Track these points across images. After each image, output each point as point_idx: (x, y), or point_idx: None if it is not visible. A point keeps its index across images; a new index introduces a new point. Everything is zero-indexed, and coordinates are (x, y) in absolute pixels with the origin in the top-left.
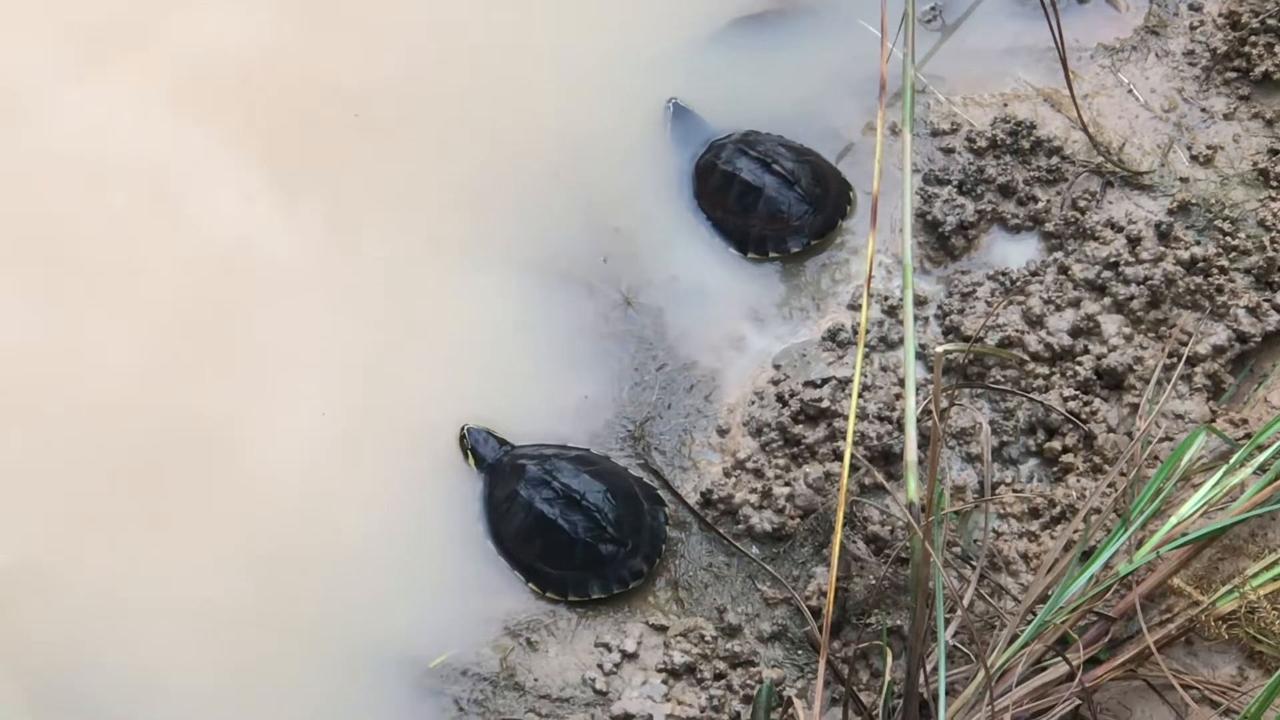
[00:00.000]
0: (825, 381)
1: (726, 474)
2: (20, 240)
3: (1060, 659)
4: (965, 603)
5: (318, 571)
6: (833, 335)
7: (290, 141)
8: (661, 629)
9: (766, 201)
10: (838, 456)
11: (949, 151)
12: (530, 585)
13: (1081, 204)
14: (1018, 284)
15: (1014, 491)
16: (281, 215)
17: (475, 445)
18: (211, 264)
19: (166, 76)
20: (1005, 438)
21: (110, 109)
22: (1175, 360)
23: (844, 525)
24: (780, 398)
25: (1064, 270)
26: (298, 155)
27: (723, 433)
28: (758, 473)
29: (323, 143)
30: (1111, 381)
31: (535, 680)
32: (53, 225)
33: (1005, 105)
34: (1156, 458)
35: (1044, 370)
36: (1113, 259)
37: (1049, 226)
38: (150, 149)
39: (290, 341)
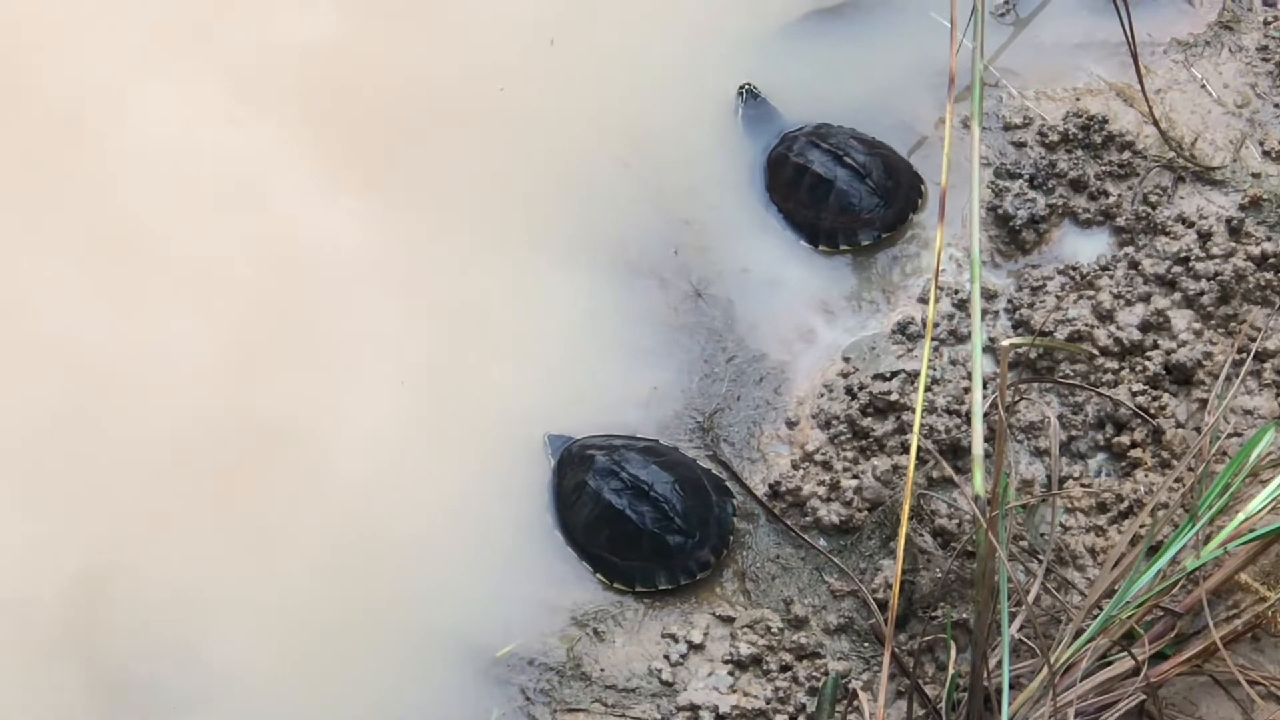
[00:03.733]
0: (894, 375)
1: (795, 466)
2: (96, 240)
3: (1125, 654)
4: (1031, 597)
5: (387, 562)
6: (902, 328)
7: (361, 138)
8: (728, 620)
9: (838, 194)
10: (906, 450)
11: (1020, 145)
12: (598, 575)
13: (1152, 199)
14: (1088, 278)
15: (1081, 486)
16: (354, 210)
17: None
18: (283, 261)
19: (238, 74)
20: (1074, 432)
21: (181, 107)
22: (1245, 356)
23: (911, 518)
24: (849, 390)
25: (1134, 265)
26: (369, 151)
27: (791, 425)
28: (826, 465)
29: (394, 139)
30: (1181, 377)
31: (601, 670)
32: (126, 225)
33: (1077, 100)
34: (1225, 453)
35: (1113, 365)
36: (1183, 254)
37: (1120, 221)
38: (222, 147)
39: (360, 336)
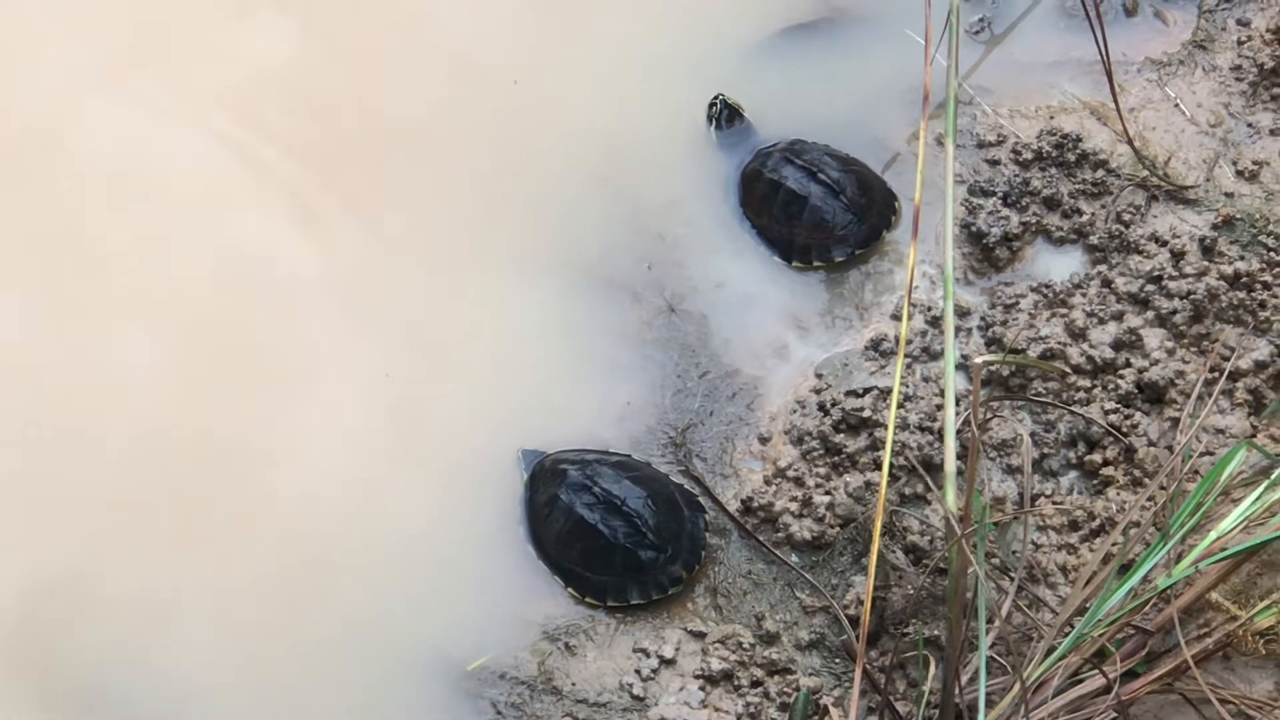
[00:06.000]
0: (867, 391)
1: (767, 482)
2: (54, 259)
3: (1097, 672)
4: (1003, 614)
5: (356, 576)
6: (875, 345)
7: (329, 155)
8: (700, 635)
9: (812, 210)
10: (878, 466)
11: (994, 163)
12: (569, 590)
13: (1126, 217)
14: (1060, 296)
15: (1053, 503)
16: (319, 227)
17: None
18: (249, 278)
19: (203, 93)
20: (1046, 450)
21: (142, 127)
22: (1217, 375)
23: (883, 535)
24: (822, 406)
25: (1107, 283)
26: (337, 169)
27: (764, 441)
28: (798, 481)
29: (363, 156)
30: (1153, 395)
31: (573, 685)
32: (85, 242)
33: (1051, 118)
34: (1197, 472)
35: (1085, 383)
36: (1156, 273)
37: (1093, 239)
38: (184, 166)
39: (329, 350)
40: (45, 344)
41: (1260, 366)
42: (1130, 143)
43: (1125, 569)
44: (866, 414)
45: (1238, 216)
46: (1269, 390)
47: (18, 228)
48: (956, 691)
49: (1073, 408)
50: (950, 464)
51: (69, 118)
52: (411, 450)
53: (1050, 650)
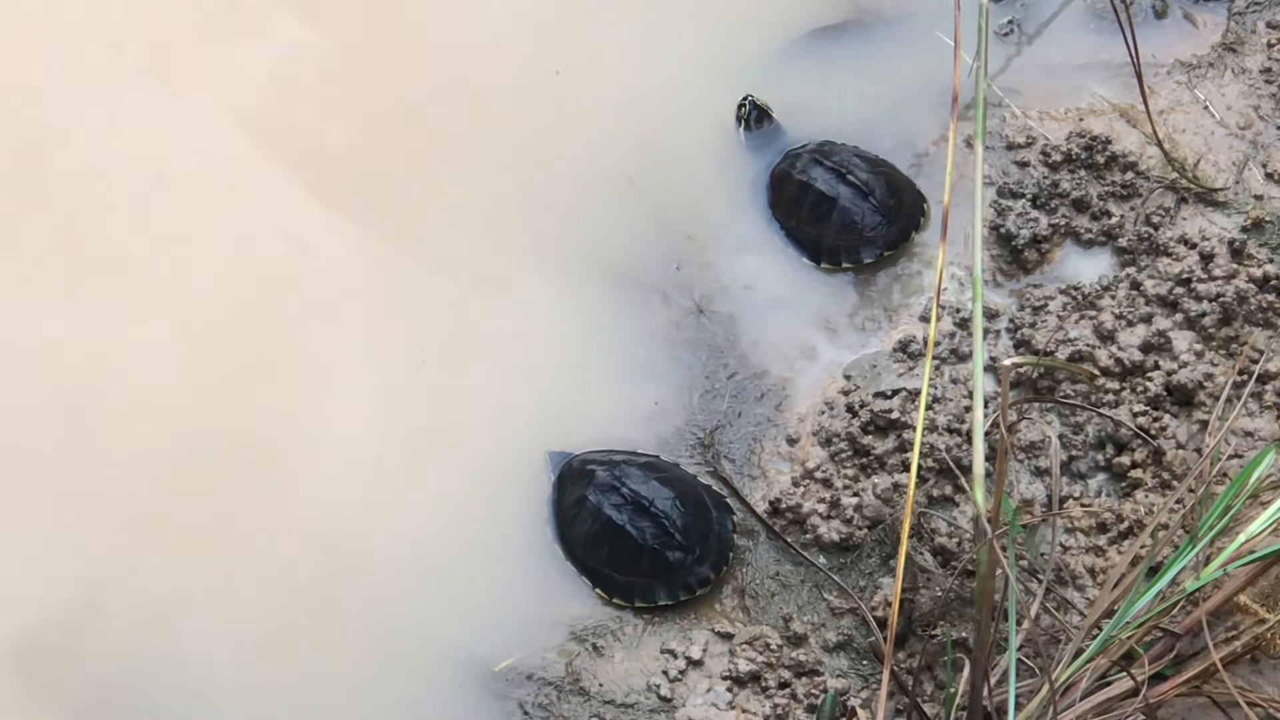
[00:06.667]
0: (895, 393)
1: (795, 483)
2: (74, 261)
3: (1125, 674)
4: (1031, 616)
5: (383, 577)
6: (904, 347)
7: (355, 155)
8: (727, 637)
9: (841, 212)
10: (906, 468)
11: (1023, 165)
12: (597, 591)
13: (1155, 220)
14: (1089, 298)
15: (1082, 506)
16: (347, 229)
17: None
18: (271, 280)
19: (225, 92)
20: (1074, 452)
21: (165, 124)
22: (1246, 378)
23: (911, 537)
24: (850, 408)
25: (1136, 286)
26: (363, 169)
27: (792, 442)
28: (826, 483)
29: (390, 157)
30: (1182, 398)
31: (600, 686)
32: (105, 242)
33: (1081, 120)
34: (1225, 475)
35: (1114, 385)
36: (1185, 275)
37: (1122, 242)
38: (205, 164)
39: (354, 352)
40: (66, 348)
41: None
42: (1160, 145)
43: (1153, 571)
44: (895, 415)
45: (1267, 219)
46: None
47: (39, 230)
48: (985, 693)
49: (1101, 410)
50: (979, 466)
51: (92, 119)
52: (438, 451)
53: (1078, 652)
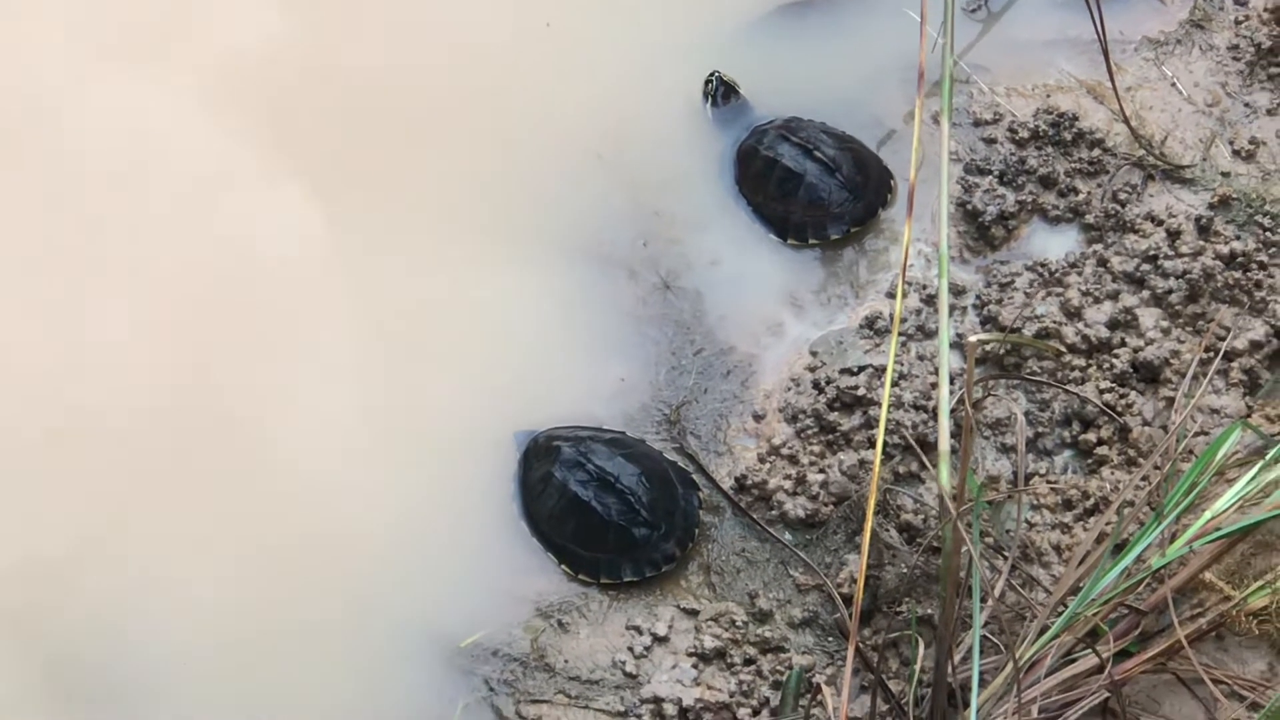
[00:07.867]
0: (862, 369)
1: (761, 460)
2: (48, 241)
3: (1090, 651)
4: (996, 593)
5: (349, 553)
6: (870, 323)
7: (322, 134)
8: (693, 613)
9: (807, 188)
10: (872, 444)
11: (991, 142)
12: (563, 567)
13: (1122, 197)
14: (1056, 275)
15: (1048, 483)
16: (312, 205)
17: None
18: (246, 257)
19: (198, 73)
20: (1040, 429)
21: (138, 106)
22: (1212, 355)
23: (877, 513)
24: (816, 385)
25: (1103, 262)
26: (329, 147)
27: (758, 418)
28: (792, 459)
29: (356, 134)
30: (1148, 375)
31: (565, 662)
32: (83, 221)
33: (1048, 96)
34: (1191, 452)
35: (1080, 362)
36: (1152, 252)
37: (1089, 218)
38: (180, 145)
39: (324, 328)
40: (43, 322)
41: (1255, 346)
42: (1127, 122)
43: (1119, 548)
44: (861, 392)
45: (1234, 196)
46: (1264, 370)
47: (17, 207)
48: (949, 670)
49: (1067, 387)
50: (944, 443)
51: (68, 97)
52: (405, 427)
53: (1044, 630)
